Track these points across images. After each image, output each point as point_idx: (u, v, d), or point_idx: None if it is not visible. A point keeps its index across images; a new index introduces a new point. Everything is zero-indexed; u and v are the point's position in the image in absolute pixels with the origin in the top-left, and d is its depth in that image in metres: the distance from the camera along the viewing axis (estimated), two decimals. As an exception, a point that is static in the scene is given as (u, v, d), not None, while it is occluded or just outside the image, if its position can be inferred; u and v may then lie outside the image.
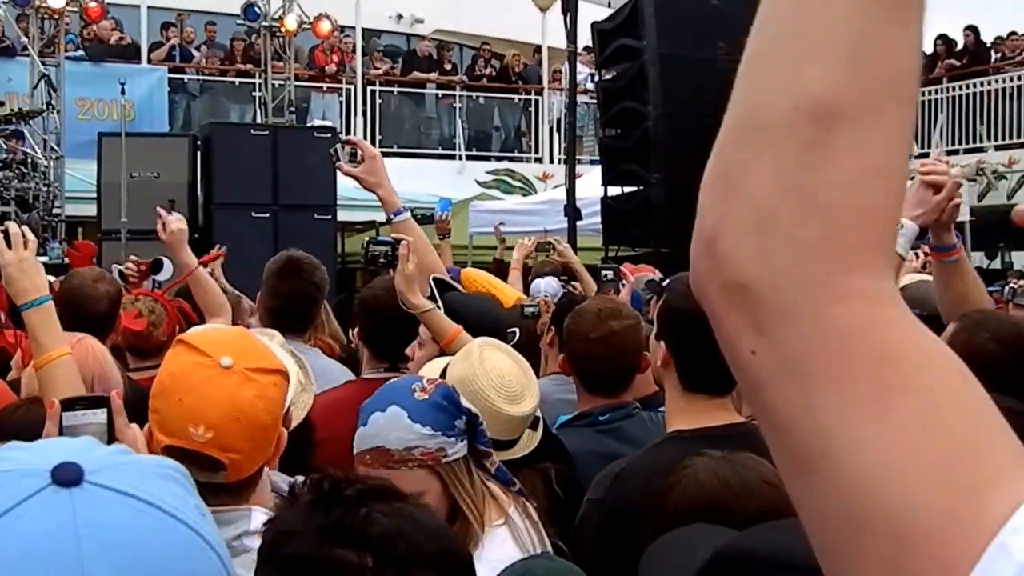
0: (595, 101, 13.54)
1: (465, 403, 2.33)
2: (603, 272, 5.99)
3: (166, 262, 5.12)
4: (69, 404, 1.98)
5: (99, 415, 1.93)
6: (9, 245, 2.74)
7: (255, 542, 1.95)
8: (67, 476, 0.88)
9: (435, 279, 3.32)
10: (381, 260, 3.43)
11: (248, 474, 2.02)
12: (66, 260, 6.03)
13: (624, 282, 5.60)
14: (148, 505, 0.90)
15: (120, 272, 4.89)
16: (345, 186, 13.17)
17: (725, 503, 1.82)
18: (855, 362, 0.64)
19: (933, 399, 0.63)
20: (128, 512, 0.89)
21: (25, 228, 2.84)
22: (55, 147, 12.77)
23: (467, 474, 2.28)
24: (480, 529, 2.23)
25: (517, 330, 3.55)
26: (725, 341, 0.69)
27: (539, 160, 19.00)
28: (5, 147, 11.35)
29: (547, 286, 5.98)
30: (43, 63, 12.85)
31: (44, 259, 8.57)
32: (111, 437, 1.94)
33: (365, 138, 17.39)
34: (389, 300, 3.51)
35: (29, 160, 12.23)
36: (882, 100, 0.66)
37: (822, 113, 0.65)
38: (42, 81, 12.69)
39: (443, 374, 2.77)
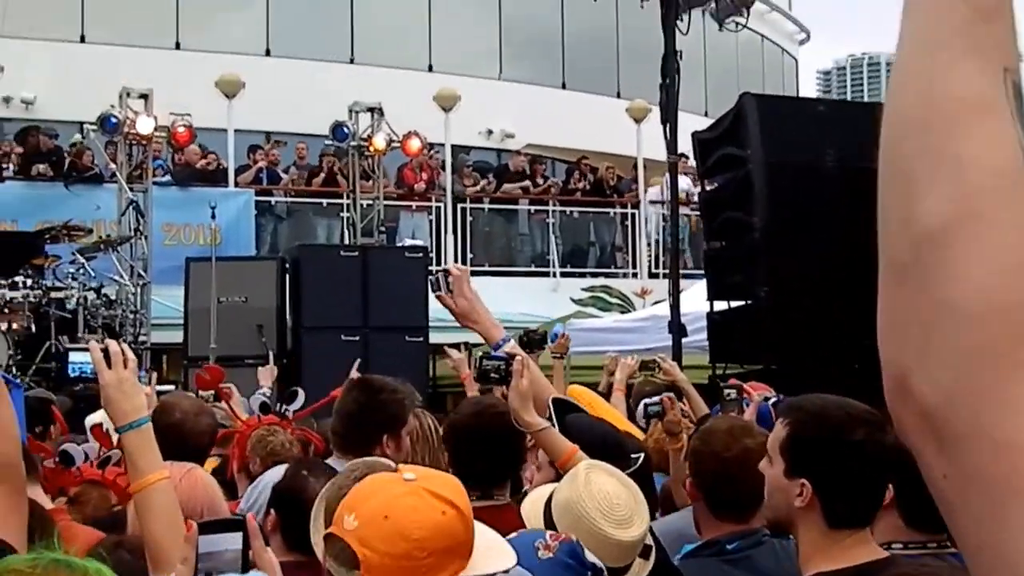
0: (696, 213, 13.59)
1: (590, 557, 2.33)
2: (726, 391, 5.95)
3: (300, 392, 5.34)
4: (206, 527, 2.02)
5: (235, 539, 1.98)
6: (109, 364, 2.77)
7: None
8: None
9: (555, 400, 3.35)
10: (493, 375, 3.48)
11: None
12: (193, 384, 6.33)
13: (748, 400, 5.56)
14: None
15: (263, 403, 5.08)
16: (437, 307, 13.33)
17: None
18: None
19: None
20: None
21: (125, 346, 2.87)
22: (142, 273, 13.18)
23: None
24: None
25: (642, 455, 3.53)
26: (924, 470, 0.77)
27: (636, 275, 19.04)
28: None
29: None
30: (131, 189, 13.34)
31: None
32: (246, 561, 1.98)
33: (456, 258, 17.67)
34: (477, 424, 3.53)
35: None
36: (984, 205, 0.72)
37: (934, 237, 0.73)
38: (130, 207, 13.15)
39: (549, 500, 2.76)
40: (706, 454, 3.17)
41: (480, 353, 3.58)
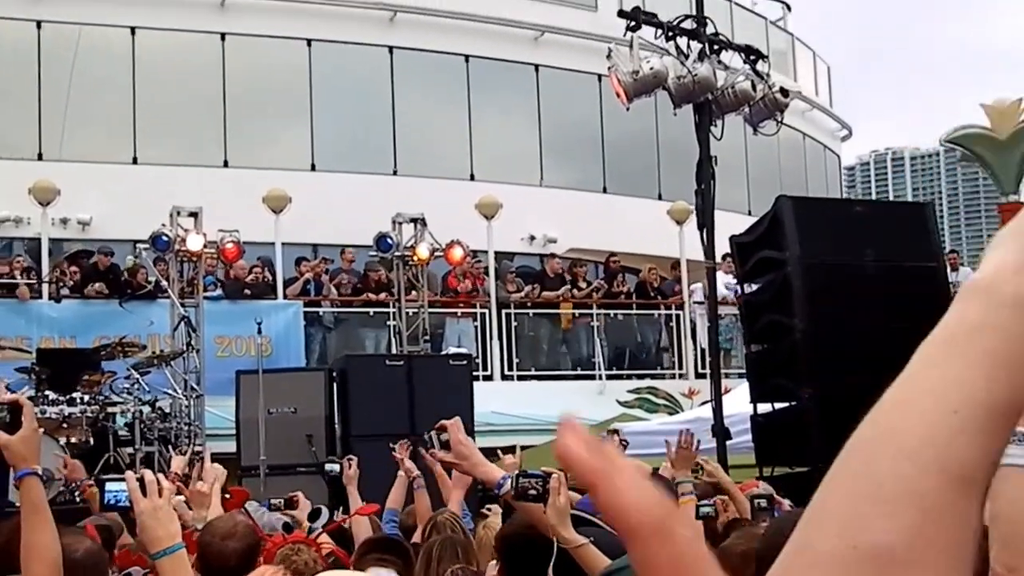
0: (739, 312, 13.79)
1: None
2: (755, 500, 6.10)
3: (323, 510, 5.60)
4: None
5: None
6: (144, 493, 3.04)
7: None
8: None
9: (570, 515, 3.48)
10: (531, 492, 3.55)
11: None
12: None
13: (779, 509, 5.71)
14: None
15: (286, 523, 5.33)
16: (483, 411, 13.57)
17: None
18: None
19: None
20: None
21: (160, 476, 3.16)
22: (195, 386, 13.58)
23: None
24: None
25: None
26: None
27: (683, 376, 19.17)
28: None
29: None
30: (183, 304, 13.81)
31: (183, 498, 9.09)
32: None
33: (501, 363, 17.95)
34: (529, 535, 3.67)
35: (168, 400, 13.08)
36: (937, 557, 0.73)
37: (880, 557, 0.73)
38: (182, 322, 13.60)
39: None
40: None
41: (516, 472, 3.69)
